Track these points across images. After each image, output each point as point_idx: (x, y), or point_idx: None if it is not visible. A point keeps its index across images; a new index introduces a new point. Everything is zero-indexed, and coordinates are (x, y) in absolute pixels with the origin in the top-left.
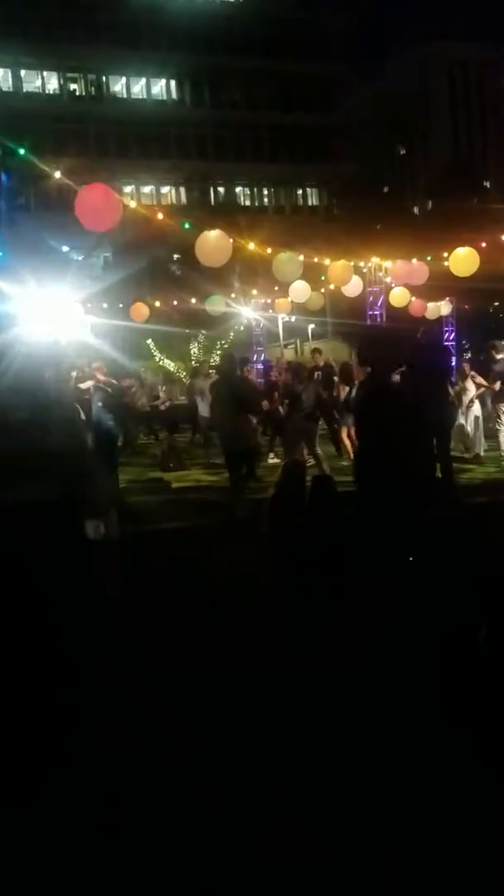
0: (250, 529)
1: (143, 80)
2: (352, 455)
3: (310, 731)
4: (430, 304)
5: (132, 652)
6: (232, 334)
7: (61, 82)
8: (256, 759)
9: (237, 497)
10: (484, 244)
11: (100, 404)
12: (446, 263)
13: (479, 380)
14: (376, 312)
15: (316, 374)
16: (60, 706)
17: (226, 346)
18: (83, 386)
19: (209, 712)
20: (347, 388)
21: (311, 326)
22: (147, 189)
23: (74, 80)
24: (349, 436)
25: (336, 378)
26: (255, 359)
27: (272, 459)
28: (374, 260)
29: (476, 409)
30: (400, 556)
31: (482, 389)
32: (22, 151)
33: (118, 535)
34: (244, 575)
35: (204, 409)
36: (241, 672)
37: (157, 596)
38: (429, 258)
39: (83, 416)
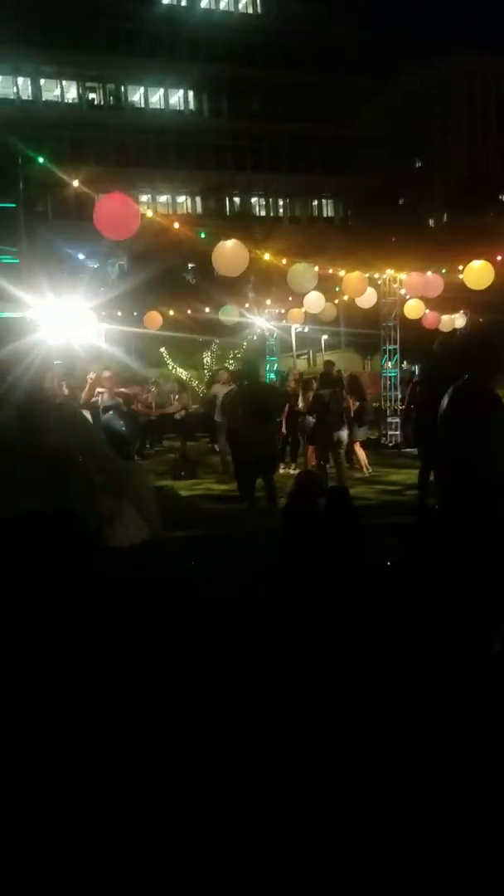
0: (254, 541)
1: (162, 90)
2: (364, 467)
3: (313, 735)
4: (445, 317)
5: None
6: (245, 344)
7: (80, 91)
8: (257, 762)
9: (249, 508)
10: (499, 257)
11: (110, 412)
12: (461, 276)
13: None
14: (391, 324)
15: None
16: (59, 708)
17: (238, 355)
18: (96, 392)
19: (212, 715)
20: (358, 402)
21: (325, 337)
22: (163, 198)
23: (94, 90)
24: (360, 448)
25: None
26: (267, 368)
27: (283, 469)
28: (389, 272)
29: None
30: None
31: None
32: (41, 160)
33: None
34: (245, 584)
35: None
36: (245, 680)
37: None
38: (444, 270)
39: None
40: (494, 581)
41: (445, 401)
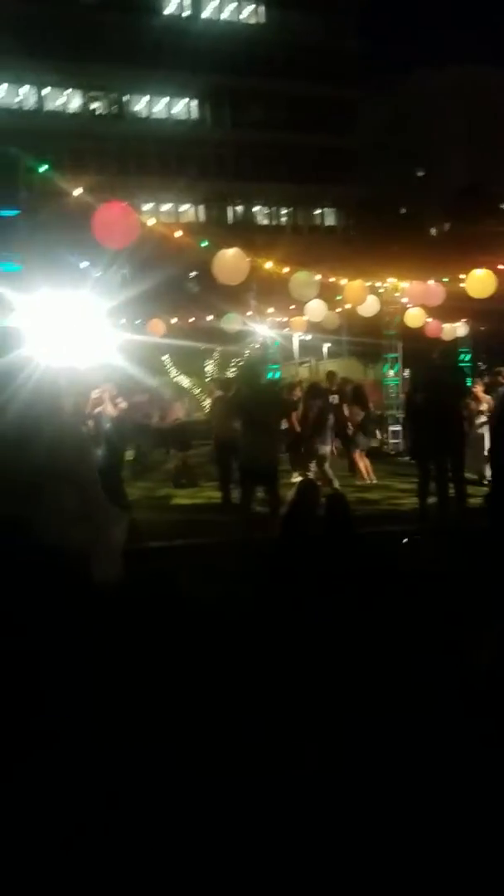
0: (250, 548)
1: (165, 100)
2: (367, 476)
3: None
4: (446, 325)
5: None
6: (247, 352)
7: (84, 101)
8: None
9: (243, 516)
10: (501, 266)
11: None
12: (463, 284)
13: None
14: (392, 332)
15: (331, 396)
16: (57, 714)
17: (241, 363)
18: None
19: (210, 718)
20: (363, 412)
21: (327, 345)
22: (166, 207)
23: (97, 99)
24: (362, 457)
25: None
26: (269, 376)
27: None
28: (391, 280)
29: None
30: None
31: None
32: (43, 168)
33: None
34: (243, 593)
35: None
36: (241, 688)
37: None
38: (445, 279)
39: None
40: None
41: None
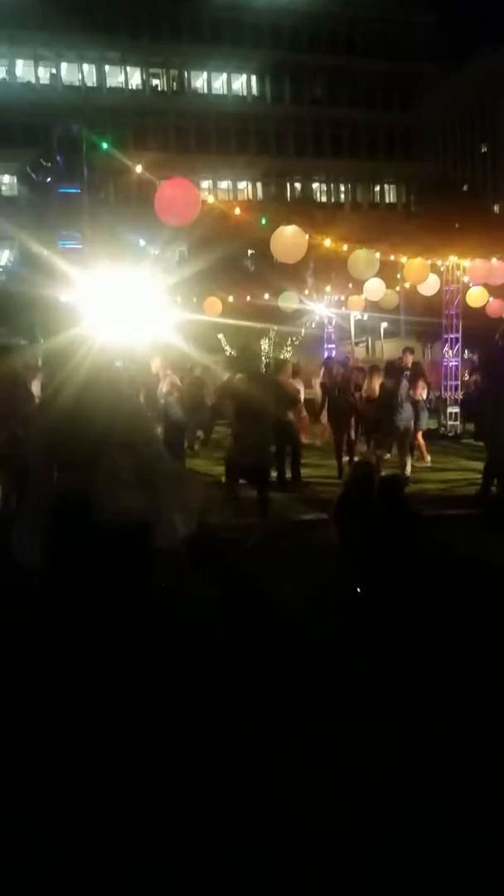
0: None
1: (225, 76)
2: (424, 456)
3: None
4: None
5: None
6: (303, 331)
7: (144, 78)
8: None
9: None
10: None
11: (170, 398)
12: None
13: None
14: (453, 312)
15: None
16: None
17: (297, 342)
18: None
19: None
20: (426, 388)
21: (384, 325)
22: (224, 184)
23: (157, 76)
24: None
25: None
26: (325, 356)
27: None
28: (452, 258)
29: None
30: None
31: None
32: (104, 146)
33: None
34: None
35: None
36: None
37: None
38: None
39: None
40: None
41: None
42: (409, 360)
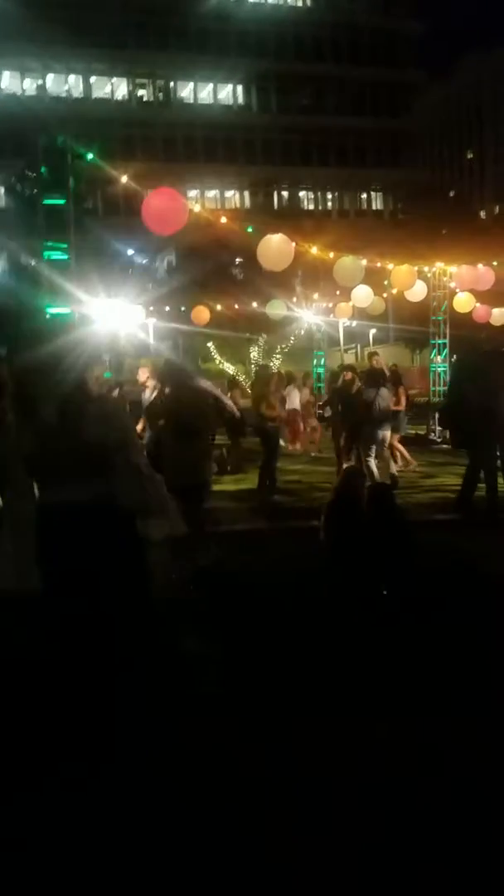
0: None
1: (211, 86)
2: (410, 461)
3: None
4: (496, 310)
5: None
6: (292, 339)
7: (130, 88)
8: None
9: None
10: None
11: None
12: None
13: None
14: (440, 318)
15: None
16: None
17: (286, 350)
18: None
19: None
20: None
21: (373, 331)
22: (212, 193)
23: (143, 86)
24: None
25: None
26: (314, 363)
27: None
28: (439, 264)
29: None
30: None
31: None
32: (90, 156)
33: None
34: (289, 579)
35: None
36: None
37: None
38: (495, 263)
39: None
40: None
41: None
42: (377, 364)
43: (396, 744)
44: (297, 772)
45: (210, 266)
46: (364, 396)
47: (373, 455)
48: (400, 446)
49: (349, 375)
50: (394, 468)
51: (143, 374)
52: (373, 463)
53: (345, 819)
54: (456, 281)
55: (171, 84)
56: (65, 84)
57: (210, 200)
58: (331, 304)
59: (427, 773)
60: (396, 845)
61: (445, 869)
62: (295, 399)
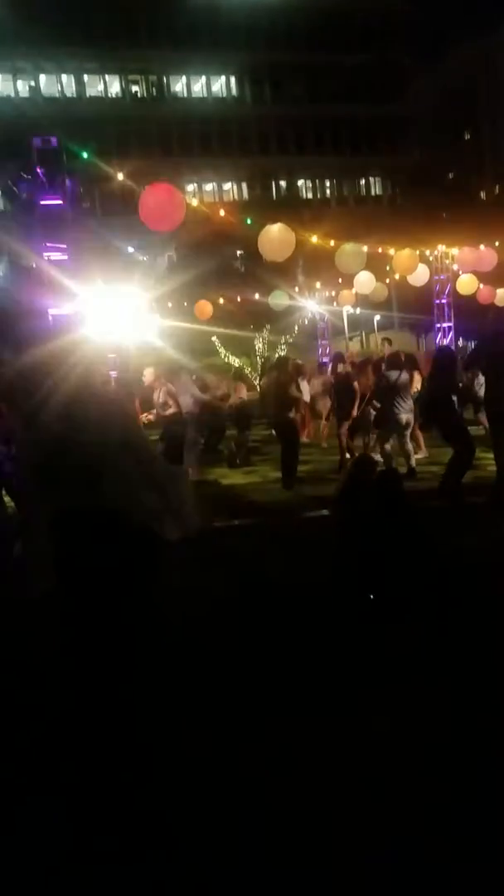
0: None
1: (204, 79)
2: (422, 448)
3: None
4: (500, 291)
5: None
6: (297, 328)
7: (123, 85)
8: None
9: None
10: None
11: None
12: None
13: None
14: (444, 301)
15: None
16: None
17: (290, 340)
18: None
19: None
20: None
21: (377, 318)
22: (209, 187)
23: (136, 83)
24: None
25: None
26: (320, 352)
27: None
28: (441, 247)
29: None
30: None
31: None
32: (85, 155)
33: (196, 531)
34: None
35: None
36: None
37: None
38: (497, 243)
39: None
40: None
41: None
42: (388, 350)
43: (396, 740)
44: (296, 771)
45: (211, 260)
46: (385, 379)
47: (389, 441)
48: (419, 433)
49: (342, 367)
50: (413, 460)
51: (148, 376)
52: (388, 447)
53: (345, 819)
54: (458, 263)
55: (164, 79)
56: (57, 84)
57: (208, 194)
58: (334, 293)
59: (427, 771)
60: (396, 845)
61: (445, 868)
62: (305, 390)
